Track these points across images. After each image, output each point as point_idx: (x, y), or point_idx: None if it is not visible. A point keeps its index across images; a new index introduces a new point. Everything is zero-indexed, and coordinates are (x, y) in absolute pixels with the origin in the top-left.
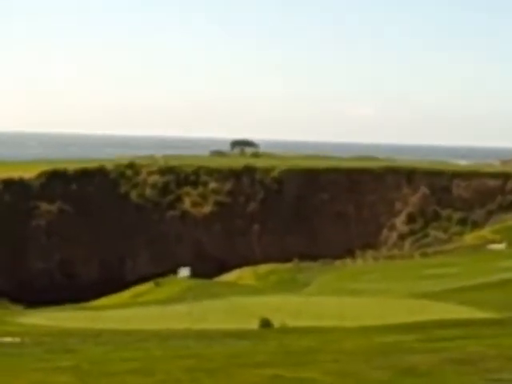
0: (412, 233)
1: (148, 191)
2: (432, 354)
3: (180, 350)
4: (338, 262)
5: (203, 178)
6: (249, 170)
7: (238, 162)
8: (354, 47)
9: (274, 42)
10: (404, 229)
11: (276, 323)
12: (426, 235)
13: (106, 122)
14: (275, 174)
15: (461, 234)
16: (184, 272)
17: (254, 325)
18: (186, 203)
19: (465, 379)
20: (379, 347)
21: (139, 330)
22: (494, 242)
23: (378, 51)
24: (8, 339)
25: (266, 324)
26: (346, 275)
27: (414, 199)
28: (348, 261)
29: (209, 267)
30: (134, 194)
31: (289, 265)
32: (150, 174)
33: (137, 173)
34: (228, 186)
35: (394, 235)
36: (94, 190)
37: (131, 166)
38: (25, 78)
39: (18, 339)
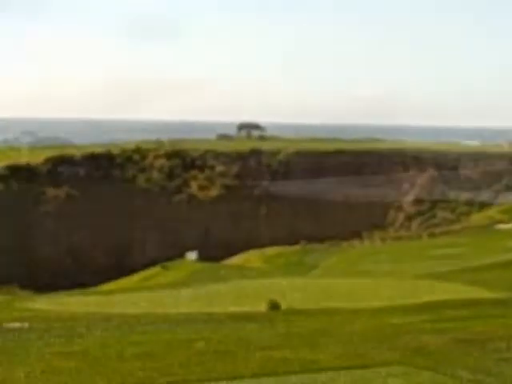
0: (419, 213)
1: (155, 175)
2: (440, 335)
3: (188, 333)
4: (345, 244)
5: (210, 161)
6: (255, 153)
7: (245, 145)
8: (363, 28)
9: (277, 24)
10: (411, 209)
11: (284, 305)
12: (434, 216)
13: (107, 109)
14: (282, 156)
15: (468, 214)
16: (191, 255)
17: (262, 307)
18: (193, 187)
19: (473, 359)
20: (387, 328)
21: (147, 314)
22: (501, 221)
23: (391, 30)
24: (17, 324)
25: (274, 306)
26: (353, 257)
27: (422, 180)
28: (355, 242)
29: (216, 250)
30: (141, 179)
31: (296, 247)
32: (157, 158)
33: (143, 157)
34: (235, 169)
35: (402, 216)
36: (101, 174)
37: (138, 150)
38: (24, 74)
39: (26, 324)
